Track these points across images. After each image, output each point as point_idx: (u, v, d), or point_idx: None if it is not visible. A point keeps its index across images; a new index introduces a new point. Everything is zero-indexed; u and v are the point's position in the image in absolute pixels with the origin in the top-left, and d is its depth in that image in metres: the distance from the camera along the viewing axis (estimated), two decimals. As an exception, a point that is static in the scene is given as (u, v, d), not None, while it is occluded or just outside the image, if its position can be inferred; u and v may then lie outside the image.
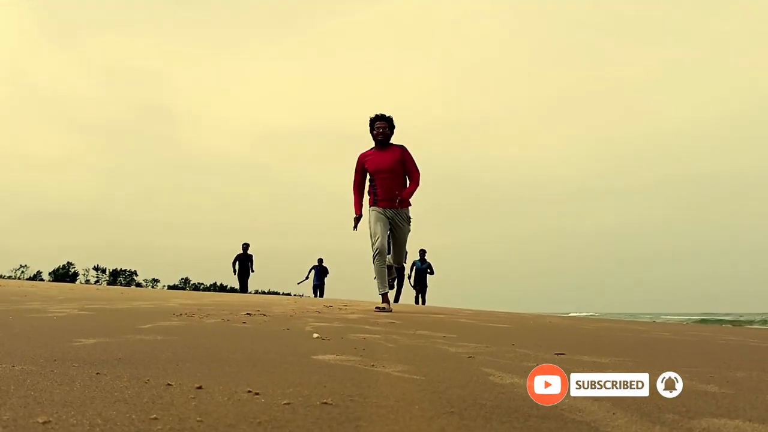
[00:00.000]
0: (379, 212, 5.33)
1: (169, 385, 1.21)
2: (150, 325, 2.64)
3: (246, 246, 15.19)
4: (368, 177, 5.45)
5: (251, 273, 15.22)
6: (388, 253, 5.76)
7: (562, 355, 2.09)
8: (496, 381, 1.45)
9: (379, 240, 5.21)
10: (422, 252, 14.05)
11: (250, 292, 16.00)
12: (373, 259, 5.25)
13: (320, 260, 16.00)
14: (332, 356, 1.81)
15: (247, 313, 3.91)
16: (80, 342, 1.88)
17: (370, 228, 5.33)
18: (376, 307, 5.22)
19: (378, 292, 5.35)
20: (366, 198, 5.49)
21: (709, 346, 3.06)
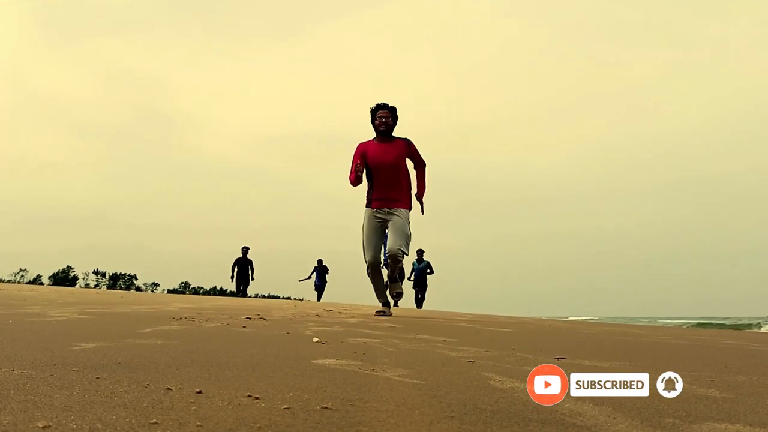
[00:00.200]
0: (373, 216, 5.01)
1: (168, 389, 1.21)
2: (150, 330, 2.64)
3: (246, 250, 14.74)
4: (366, 169, 5.02)
5: (251, 280, 14.73)
6: (384, 264, 5.46)
7: (562, 360, 2.09)
8: (496, 385, 1.45)
9: (370, 254, 4.95)
10: (420, 252, 13.90)
11: (250, 296, 15.92)
12: (367, 273, 5.07)
13: (320, 261, 16.03)
14: (332, 360, 1.81)
15: (247, 317, 3.90)
16: (80, 346, 1.88)
17: (362, 234, 5.06)
18: (377, 311, 5.14)
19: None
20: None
21: (709, 350, 3.06)
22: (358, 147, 5.07)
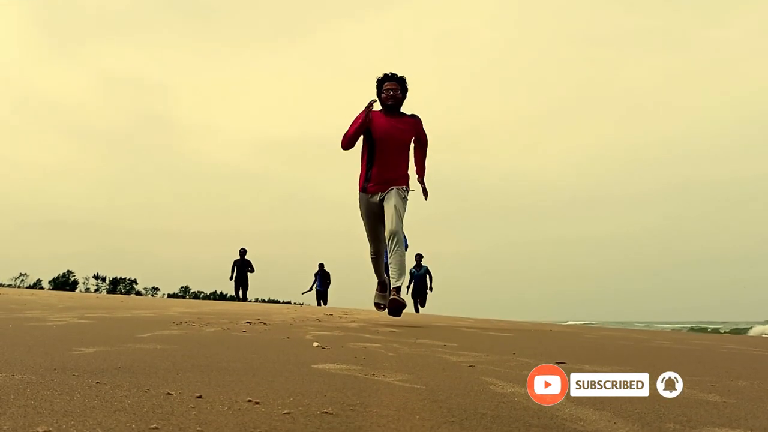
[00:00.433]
0: (368, 202, 4.45)
1: (169, 394, 1.21)
2: (150, 334, 2.63)
3: (243, 251, 14.50)
4: (365, 142, 4.45)
5: (251, 272, 14.45)
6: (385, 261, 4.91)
7: (563, 364, 2.09)
8: (497, 390, 1.45)
9: (372, 247, 4.62)
10: (419, 257, 13.17)
11: (250, 301, 15.83)
12: (371, 259, 4.74)
13: (321, 265, 15.61)
14: (332, 365, 1.80)
15: (247, 322, 3.90)
16: (80, 351, 1.88)
17: (363, 222, 4.60)
18: (375, 303, 4.78)
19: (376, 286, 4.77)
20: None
21: (710, 354, 3.06)
22: (363, 111, 4.43)
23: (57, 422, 0.94)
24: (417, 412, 1.14)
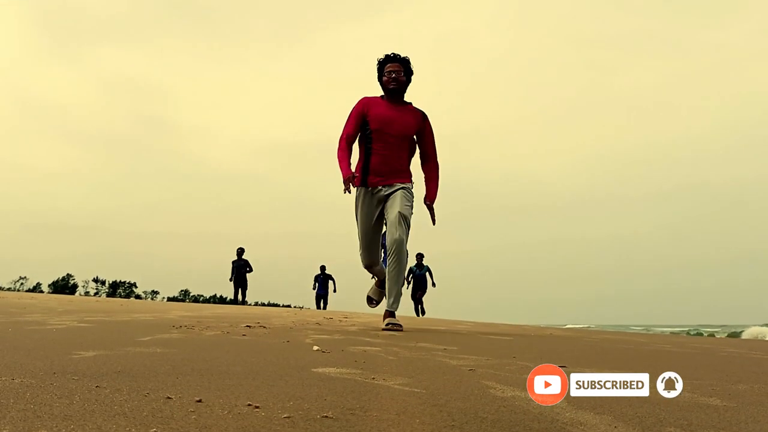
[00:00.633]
0: (368, 196, 3.99)
1: (168, 398, 1.20)
2: (149, 338, 2.63)
3: (241, 251, 14.25)
4: (362, 133, 4.00)
5: (250, 271, 14.23)
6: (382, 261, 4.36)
7: (563, 368, 2.08)
8: (497, 394, 1.45)
9: (366, 258, 4.07)
10: (419, 256, 12.93)
11: (249, 304, 15.76)
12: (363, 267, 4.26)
13: (323, 267, 15.31)
14: (332, 369, 1.80)
15: (247, 326, 3.90)
16: (80, 355, 1.88)
17: (357, 222, 4.07)
18: (386, 325, 3.96)
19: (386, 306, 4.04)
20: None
21: (711, 358, 3.05)
22: (359, 102, 4.02)
23: (57, 426, 0.94)
24: (417, 416, 1.14)
